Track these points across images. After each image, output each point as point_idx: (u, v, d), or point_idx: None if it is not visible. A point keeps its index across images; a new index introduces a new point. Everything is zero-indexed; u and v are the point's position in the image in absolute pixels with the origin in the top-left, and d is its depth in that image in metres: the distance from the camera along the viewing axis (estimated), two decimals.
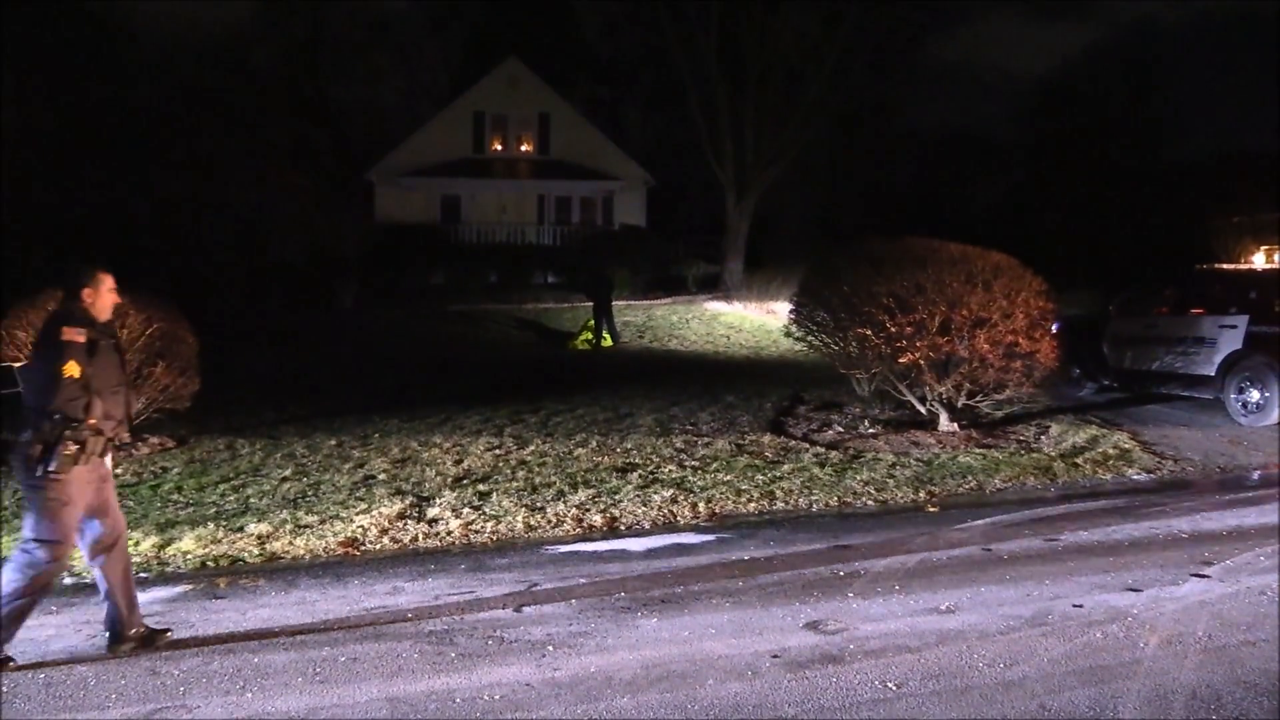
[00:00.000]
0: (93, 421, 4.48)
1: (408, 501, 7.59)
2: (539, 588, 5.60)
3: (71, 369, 4.42)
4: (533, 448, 9.54)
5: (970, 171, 43.30)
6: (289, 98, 33.60)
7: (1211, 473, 9.03)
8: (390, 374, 16.02)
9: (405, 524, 7.05)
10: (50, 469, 4.37)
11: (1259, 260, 27.52)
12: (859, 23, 28.49)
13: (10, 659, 4.47)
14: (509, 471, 8.61)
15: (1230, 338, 11.35)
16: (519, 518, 7.17)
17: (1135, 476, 8.81)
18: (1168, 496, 8.01)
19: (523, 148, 35.94)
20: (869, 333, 9.98)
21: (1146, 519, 7.17)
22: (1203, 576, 5.73)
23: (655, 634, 4.83)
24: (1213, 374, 11.49)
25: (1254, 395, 11.08)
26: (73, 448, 4.40)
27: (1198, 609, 5.17)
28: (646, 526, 7.06)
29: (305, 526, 6.97)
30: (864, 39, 29.08)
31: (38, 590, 4.53)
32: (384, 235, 28.92)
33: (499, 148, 35.83)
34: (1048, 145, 42.59)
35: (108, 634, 4.71)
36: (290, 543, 6.62)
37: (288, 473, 8.73)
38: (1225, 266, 15.56)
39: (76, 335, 4.48)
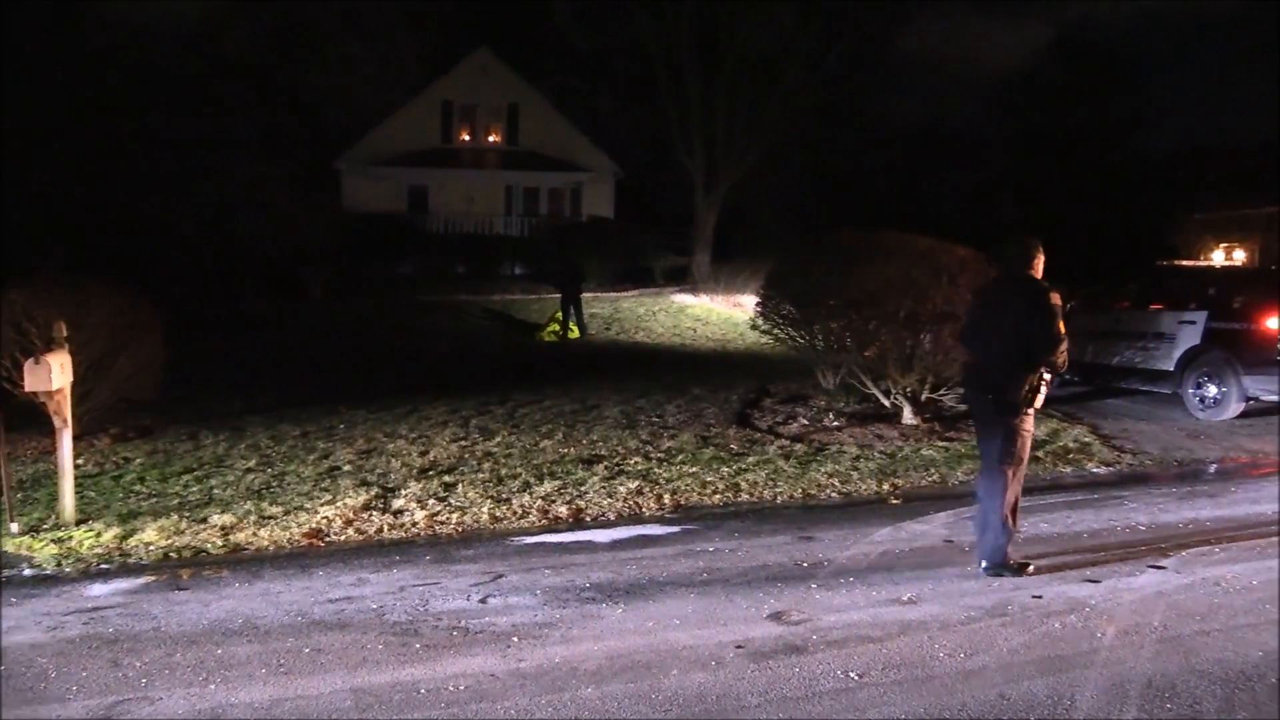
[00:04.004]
0: None
1: (373, 493, 7.57)
2: (504, 579, 5.60)
3: None
4: (499, 439, 9.54)
5: (942, 165, 43.60)
6: (260, 85, 33.23)
7: (1169, 466, 9.17)
8: (357, 365, 15.94)
9: (370, 515, 7.03)
10: None
11: (1218, 257, 27.99)
12: (831, 13, 28.60)
13: None
14: (475, 463, 8.60)
15: (1189, 333, 11.53)
16: (484, 509, 7.16)
17: (1095, 470, 8.93)
18: (1126, 489, 8.14)
19: (491, 138, 35.77)
20: (835, 325, 10.04)
21: (1105, 511, 7.28)
22: (1159, 568, 5.83)
23: (620, 625, 4.85)
24: (1172, 369, 11.67)
25: (1211, 390, 11.27)
26: None
27: (1154, 599, 5.26)
28: (612, 518, 7.08)
29: (269, 518, 6.93)
30: (836, 30, 29.18)
31: None
32: (351, 225, 28.71)
33: (467, 138, 35.64)
34: (1016, 140, 43.03)
35: None
36: (254, 534, 6.58)
37: (252, 463, 8.67)
38: (1185, 263, 15.82)
39: None
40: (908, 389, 10.30)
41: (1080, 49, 44.71)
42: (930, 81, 61.58)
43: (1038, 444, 9.69)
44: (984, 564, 5.74)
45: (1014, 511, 5.79)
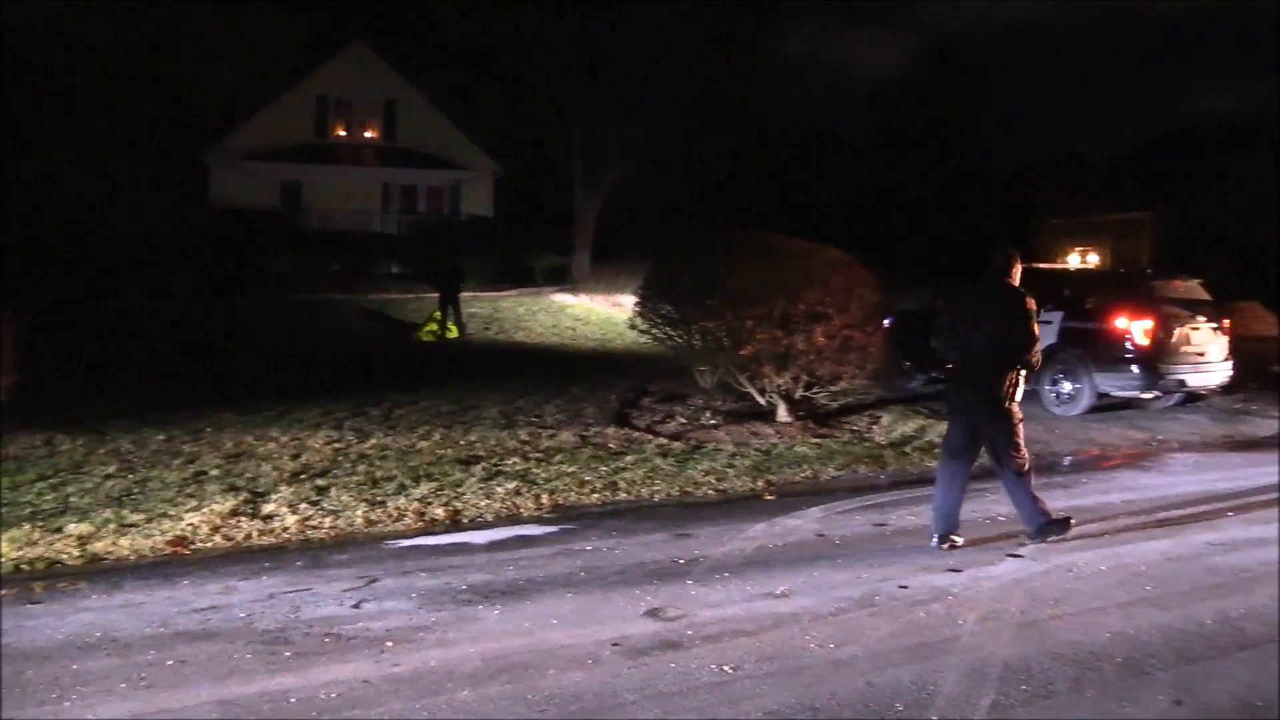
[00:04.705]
0: None
1: (241, 498, 7.34)
2: (379, 583, 5.51)
3: None
4: (374, 441, 9.37)
5: (820, 169, 44.58)
6: (122, 75, 31.77)
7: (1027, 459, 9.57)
8: (227, 365, 15.43)
9: (239, 521, 6.81)
10: None
11: (1073, 260, 29.41)
12: (708, 14, 28.93)
13: None
14: (349, 465, 8.43)
15: (1046, 333, 12.05)
16: (359, 512, 7.03)
17: None
18: (987, 482, 8.43)
19: (368, 134, 35.09)
20: (712, 325, 10.20)
21: (967, 503, 7.51)
22: (1017, 556, 6.11)
23: (497, 626, 4.83)
24: None
25: (1066, 387, 11.84)
26: None
27: (1012, 586, 5.51)
28: (490, 519, 7.04)
29: (131, 525, 6.65)
30: (714, 31, 29.51)
31: None
32: (221, 220, 27.75)
33: (343, 133, 34.88)
34: (887, 146, 44.33)
35: None
36: (114, 543, 6.31)
37: (112, 469, 8.30)
38: (1043, 265, 16.54)
39: None
40: (782, 387, 10.53)
41: (945, 60, 46.41)
42: (809, 87, 63.05)
43: (906, 439, 10.04)
44: (1032, 532, 6.35)
45: (1029, 489, 6.40)
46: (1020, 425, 6.44)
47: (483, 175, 35.21)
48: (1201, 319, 12.16)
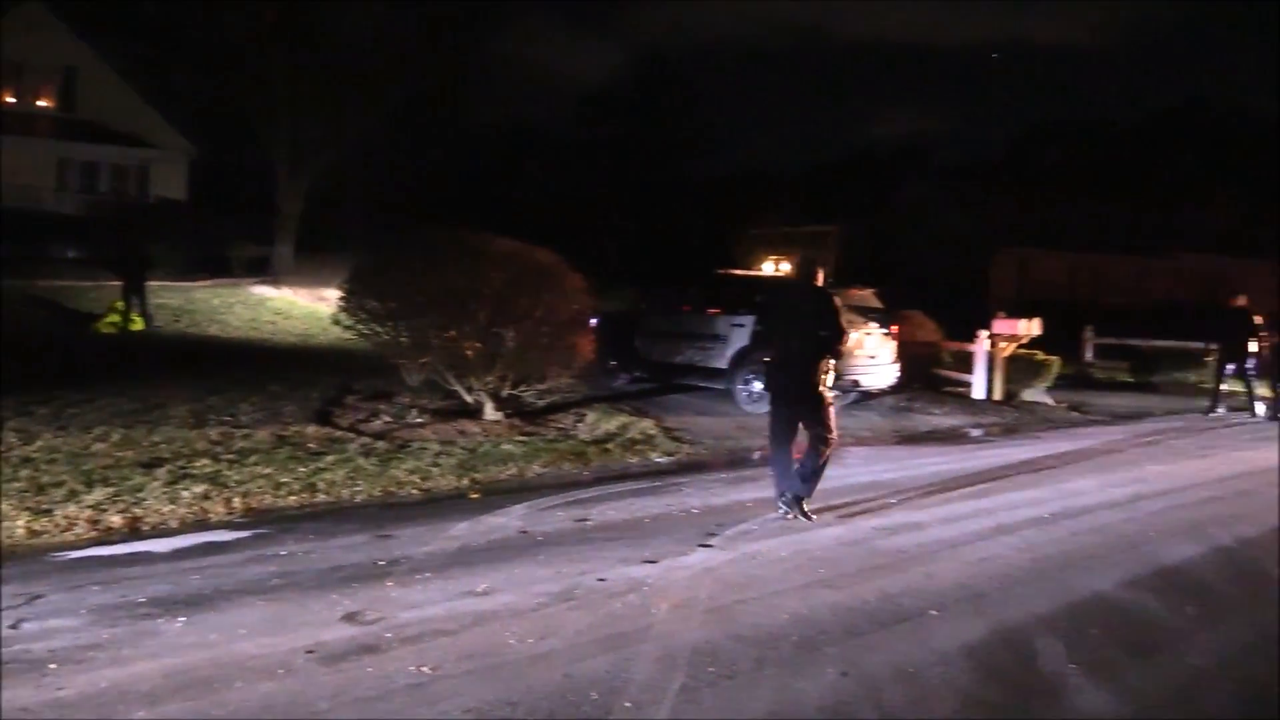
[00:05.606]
0: None
1: None
2: (43, 600, 5.02)
3: None
4: (41, 443, 8.49)
5: (532, 169, 44.97)
6: None
7: (721, 454, 10.17)
8: None
9: None
10: None
11: (768, 268, 31.38)
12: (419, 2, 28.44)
13: None
14: (10, 471, 7.59)
15: (740, 335, 12.83)
16: (21, 522, 6.35)
17: (658, 459, 9.69)
18: (684, 477, 8.92)
19: (42, 102, 31.77)
20: (419, 322, 10.06)
21: (665, 497, 7.94)
22: (708, 546, 6.46)
23: (179, 640, 4.54)
24: (725, 367, 12.94)
25: (757, 386, 12.62)
26: None
27: (703, 575, 5.83)
28: (175, 525, 6.58)
29: None
30: (426, 21, 28.99)
31: None
32: None
33: (12, 100, 31.37)
34: (595, 151, 45.43)
35: None
36: None
37: None
38: (738, 272, 17.56)
39: None
40: (489, 386, 10.56)
41: (651, 71, 48.27)
42: (523, 88, 63.48)
43: (609, 436, 10.36)
44: (785, 497, 7.25)
45: (822, 465, 7.30)
46: (832, 408, 7.40)
47: (176, 156, 32.81)
48: (874, 325, 13.34)
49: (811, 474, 7.27)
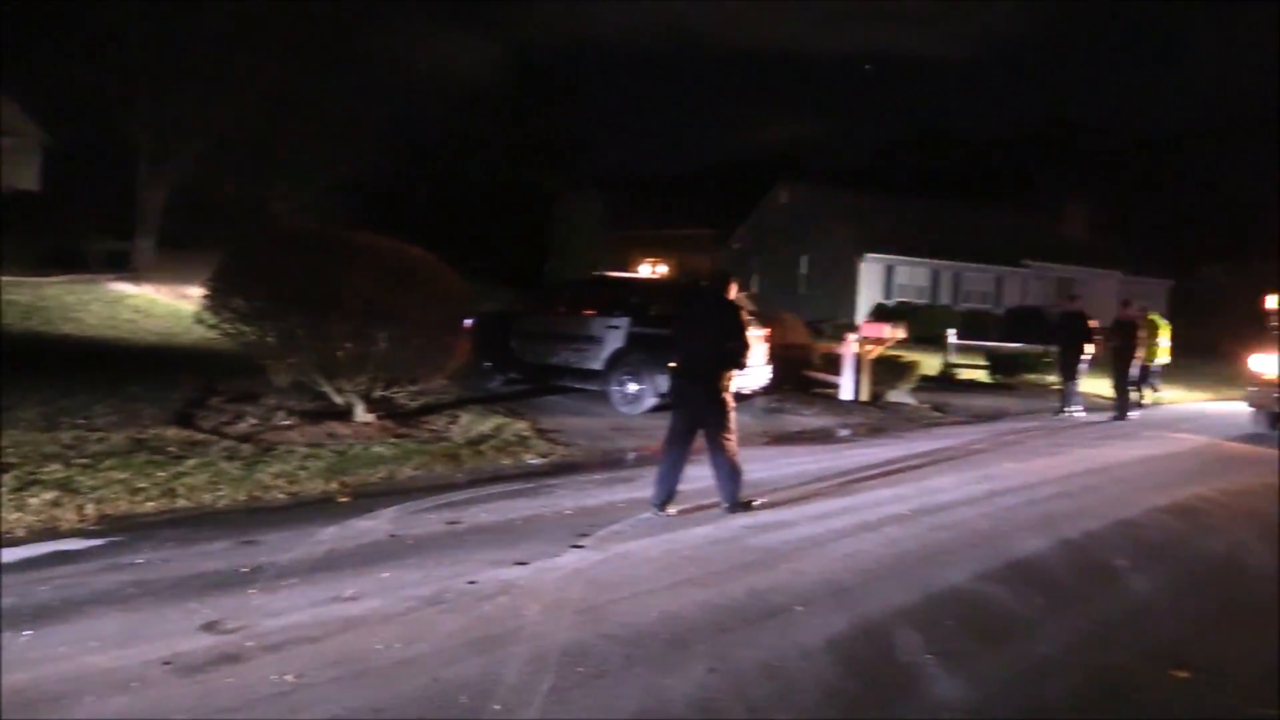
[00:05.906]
0: None
1: None
2: None
3: None
4: None
5: (409, 167, 44.21)
6: None
7: (595, 455, 10.21)
8: None
9: None
10: None
11: (644, 270, 31.64)
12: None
13: None
14: None
15: (615, 337, 12.92)
16: None
17: (532, 461, 9.67)
18: (558, 478, 8.93)
19: None
20: (287, 322, 9.81)
21: (539, 499, 7.94)
22: (580, 547, 6.49)
23: (24, 655, 4.33)
24: (600, 368, 13.01)
25: (632, 387, 12.73)
26: None
27: (574, 576, 5.85)
28: (22, 534, 6.25)
29: None
30: (299, 12, 28.23)
31: None
32: None
33: None
34: (473, 150, 45.01)
35: None
36: None
37: None
38: (614, 274, 17.65)
39: None
40: (360, 387, 10.36)
41: (532, 72, 48.13)
42: (404, 84, 62.33)
43: (483, 438, 10.30)
44: (726, 505, 7.61)
45: (735, 462, 7.63)
46: (732, 413, 7.73)
47: (28, 144, 31.08)
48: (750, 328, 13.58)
49: (730, 476, 7.63)
